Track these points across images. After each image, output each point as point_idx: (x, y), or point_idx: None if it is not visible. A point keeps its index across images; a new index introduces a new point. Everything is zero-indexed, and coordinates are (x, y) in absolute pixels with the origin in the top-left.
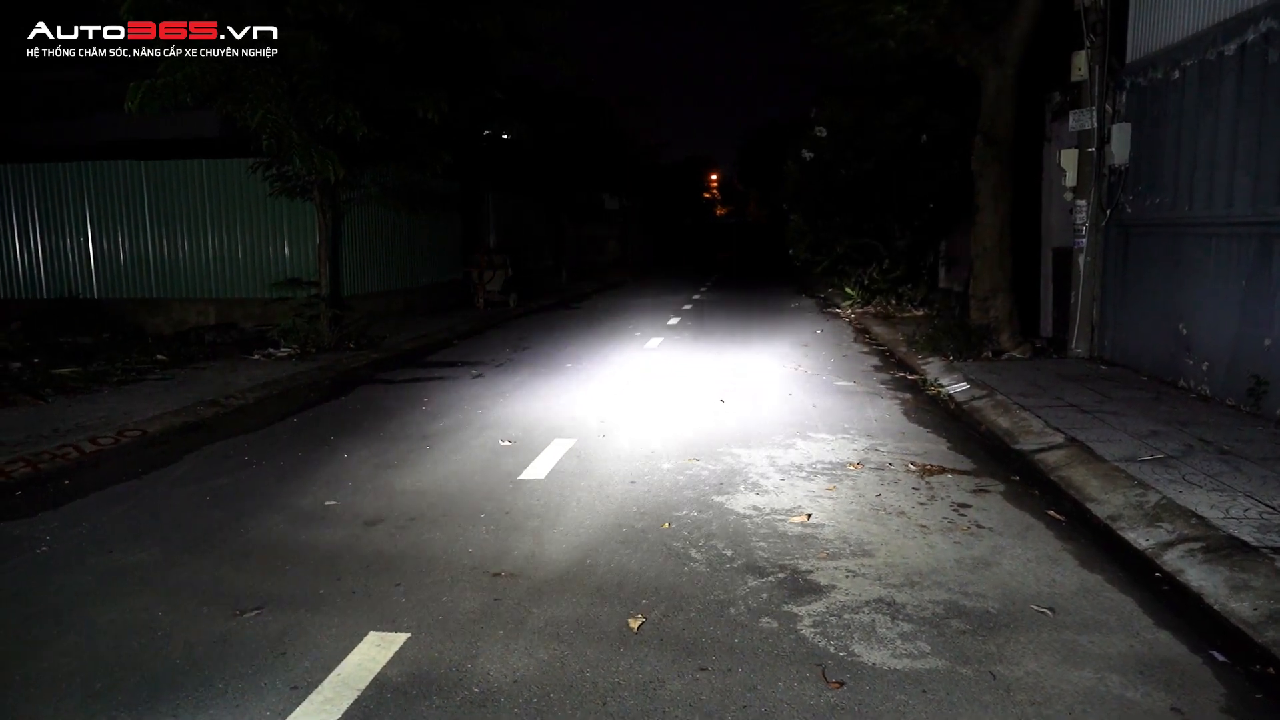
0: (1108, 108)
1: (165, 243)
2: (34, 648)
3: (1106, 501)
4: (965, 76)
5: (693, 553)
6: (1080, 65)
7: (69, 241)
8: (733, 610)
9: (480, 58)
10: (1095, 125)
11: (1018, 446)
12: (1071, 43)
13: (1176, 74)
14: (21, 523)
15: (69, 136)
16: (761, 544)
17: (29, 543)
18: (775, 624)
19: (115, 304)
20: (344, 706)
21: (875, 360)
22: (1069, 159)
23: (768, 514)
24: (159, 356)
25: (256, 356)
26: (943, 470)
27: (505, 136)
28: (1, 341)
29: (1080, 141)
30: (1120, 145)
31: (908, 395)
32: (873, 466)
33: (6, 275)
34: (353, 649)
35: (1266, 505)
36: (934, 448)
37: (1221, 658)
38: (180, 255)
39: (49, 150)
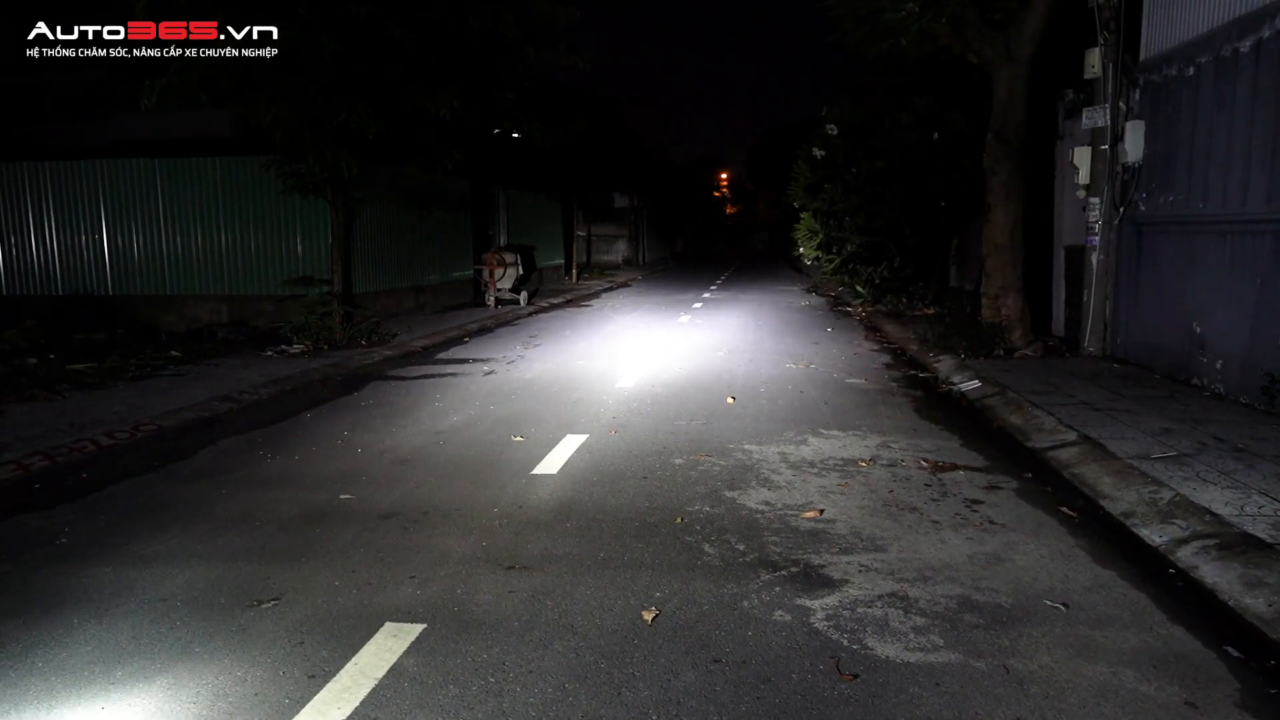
0: (1121, 105)
1: (179, 240)
2: (55, 637)
3: (1119, 498)
4: (977, 74)
5: (705, 547)
6: (1093, 62)
7: (84, 239)
8: (746, 604)
9: (493, 56)
10: (1108, 122)
11: (1030, 444)
12: (1084, 40)
13: (1191, 71)
14: (40, 515)
15: (87, 137)
16: (774, 538)
17: (48, 534)
18: (789, 617)
19: (129, 301)
20: (361, 695)
21: (886, 358)
22: (1082, 156)
23: (780, 509)
24: (173, 353)
25: (269, 353)
26: (955, 467)
27: (515, 135)
28: (17, 338)
29: (1093, 139)
30: (1134, 142)
31: (919, 393)
32: (884, 463)
33: (23, 272)
34: (369, 639)
35: None
36: (946, 445)
37: (1236, 653)
38: (194, 252)
39: (67, 149)
